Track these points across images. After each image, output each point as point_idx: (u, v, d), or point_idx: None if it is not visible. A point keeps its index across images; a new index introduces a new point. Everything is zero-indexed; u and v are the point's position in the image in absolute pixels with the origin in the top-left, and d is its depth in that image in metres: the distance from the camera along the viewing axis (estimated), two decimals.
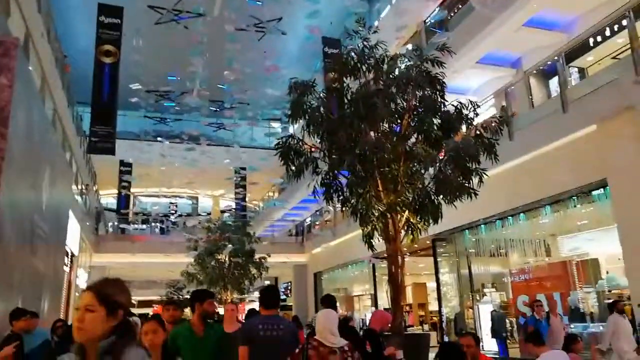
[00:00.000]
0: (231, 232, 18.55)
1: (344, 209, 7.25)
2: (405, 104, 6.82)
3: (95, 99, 16.68)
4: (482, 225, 13.01)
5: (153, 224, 27.16)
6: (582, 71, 13.74)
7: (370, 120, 6.71)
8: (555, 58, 11.70)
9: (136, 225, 26.69)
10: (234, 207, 33.08)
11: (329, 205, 7.35)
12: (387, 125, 7.02)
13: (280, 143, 7.23)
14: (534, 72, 13.42)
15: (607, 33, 11.56)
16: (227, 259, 17.54)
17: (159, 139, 29.69)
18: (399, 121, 6.95)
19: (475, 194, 6.89)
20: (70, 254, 15.20)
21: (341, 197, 7.18)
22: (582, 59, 13.16)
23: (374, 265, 18.78)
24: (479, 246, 13.95)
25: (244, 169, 33.01)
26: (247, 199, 34.43)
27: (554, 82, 13.31)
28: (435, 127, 6.82)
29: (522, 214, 11.88)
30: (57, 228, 9.78)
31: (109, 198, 33.63)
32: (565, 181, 10.09)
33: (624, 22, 10.69)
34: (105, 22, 17.43)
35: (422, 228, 7.09)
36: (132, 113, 30.04)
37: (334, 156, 6.96)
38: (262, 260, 17.84)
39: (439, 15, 17.16)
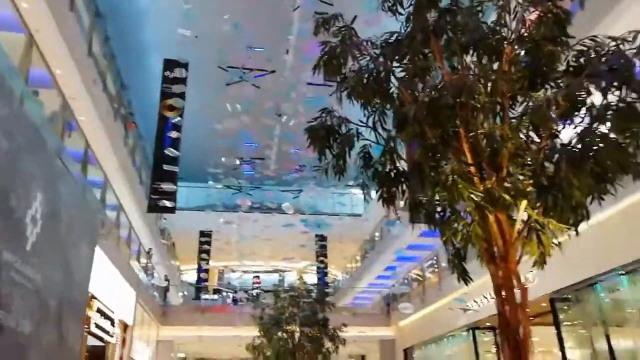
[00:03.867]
0: (303, 299, 16.18)
1: (411, 212, 4.77)
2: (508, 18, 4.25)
3: (157, 154, 15.71)
4: (623, 277, 9.64)
5: (225, 294, 25.40)
6: None
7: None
8: None
9: (207, 296, 25.04)
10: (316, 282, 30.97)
11: (387, 210, 4.72)
12: (470, 58, 4.39)
13: (314, 123, 4.92)
14: None
15: None
16: (297, 329, 15.02)
17: (239, 210, 28.81)
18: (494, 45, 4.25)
19: None
20: (122, 324, 13.59)
21: (404, 192, 4.72)
22: None
23: (474, 336, 15.34)
24: (618, 309, 10.40)
25: (324, 238, 31.29)
26: (327, 270, 32.24)
27: None
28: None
29: None
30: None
31: (190, 273, 32.95)
32: None
33: None
34: (170, 76, 16.83)
35: (558, 229, 4.24)
36: (208, 184, 29.65)
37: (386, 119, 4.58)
38: (337, 330, 15.14)
39: None
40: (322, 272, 30.28)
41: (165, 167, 14.36)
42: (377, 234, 27.80)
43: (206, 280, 29.51)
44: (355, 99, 4.62)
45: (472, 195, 3.87)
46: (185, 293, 24.63)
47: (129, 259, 14.24)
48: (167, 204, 15.03)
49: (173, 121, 16.37)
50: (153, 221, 20.44)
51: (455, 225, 4.42)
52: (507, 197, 3.83)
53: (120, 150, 15.66)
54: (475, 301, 13.72)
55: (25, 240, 6.00)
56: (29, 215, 6.08)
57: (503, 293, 4.23)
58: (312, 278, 33.70)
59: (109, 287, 11.75)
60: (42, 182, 6.53)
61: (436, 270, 20.51)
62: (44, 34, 10.39)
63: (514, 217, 4.22)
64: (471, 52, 4.21)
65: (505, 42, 4.18)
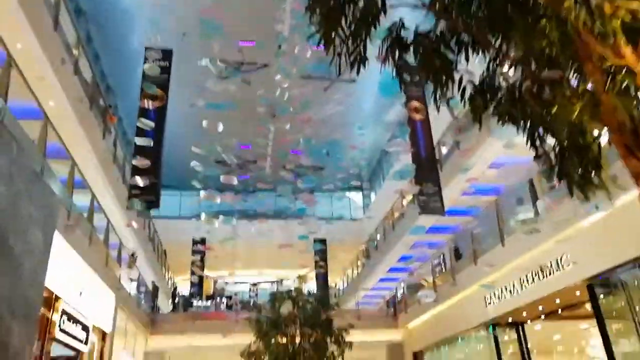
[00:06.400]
0: (304, 302, 14.67)
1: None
2: None
3: (137, 146, 14.25)
4: None
5: (219, 299, 23.83)
6: None
7: None
8: None
9: (200, 303, 23.44)
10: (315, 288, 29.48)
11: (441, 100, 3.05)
12: None
13: None
14: None
15: None
16: (297, 332, 13.49)
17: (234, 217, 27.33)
18: None
19: None
20: (99, 332, 12.07)
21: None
22: None
23: (496, 336, 13.83)
24: None
25: (323, 242, 29.87)
26: (328, 272, 30.75)
27: None
28: None
29: None
30: None
31: (185, 285, 31.38)
32: None
33: None
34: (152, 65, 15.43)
35: None
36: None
37: None
38: (344, 332, 13.64)
39: None
40: (322, 277, 28.79)
41: (139, 140, 12.79)
42: (378, 237, 26.46)
43: (200, 287, 28.00)
44: None
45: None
46: (176, 301, 23.04)
47: (106, 259, 12.74)
48: (140, 182, 13.01)
49: (155, 111, 15.00)
50: (139, 221, 18.97)
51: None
52: None
53: (96, 141, 14.31)
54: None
55: None
56: None
57: None
58: (312, 286, 32.23)
59: (81, 288, 10.25)
60: None
61: (443, 270, 19.20)
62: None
63: None
64: None
65: None
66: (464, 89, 3.26)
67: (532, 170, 11.74)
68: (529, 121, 2.95)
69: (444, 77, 3.16)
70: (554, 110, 2.64)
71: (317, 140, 21.39)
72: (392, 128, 26.05)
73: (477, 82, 3.24)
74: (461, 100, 3.28)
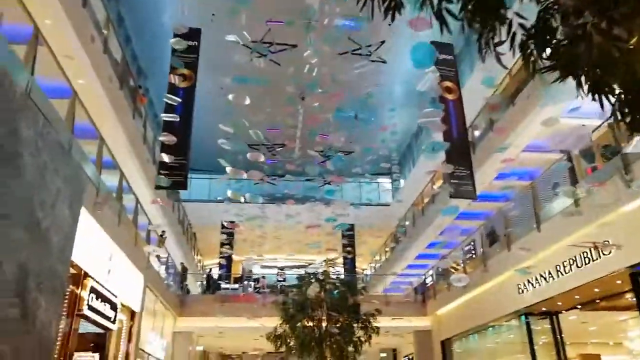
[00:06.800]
0: (332, 286, 14.50)
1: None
2: None
3: (165, 124, 14.22)
4: None
5: (246, 282, 23.94)
6: None
7: None
8: None
9: (228, 285, 23.58)
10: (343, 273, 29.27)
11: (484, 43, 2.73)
12: None
13: None
14: None
15: None
16: (324, 316, 13.34)
17: (260, 200, 27.28)
18: None
19: None
20: (127, 311, 12.18)
21: None
22: None
23: (528, 323, 13.40)
24: None
25: (351, 227, 29.54)
26: (356, 261, 30.44)
27: None
28: None
29: None
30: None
31: (214, 269, 31.67)
32: None
33: None
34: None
35: None
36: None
37: None
38: (372, 317, 13.42)
39: None
40: (350, 262, 28.59)
41: (165, 117, 12.73)
42: (407, 222, 26.05)
43: (229, 270, 28.21)
44: None
45: None
46: (204, 283, 23.28)
47: (135, 239, 12.80)
48: (166, 158, 12.78)
49: (184, 91, 14.95)
50: (168, 203, 19.14)
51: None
52: None
53: (126, 121, 14.37)
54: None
55: None
56: None
57: None
58: (340, 271, 31.99)
59: (109, 266, 10.31)
60: None
61: (474, 256, 18.74)
62: None
63: None
64: None
65: None
66: (514, 34, 2.92)
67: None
68: (592, 68, 2.58)
69: (491, 21, 2.82)
70: (630, 45, 2.30)
71: (345, 106, 20.86)
72: (424, 105, 25.47)
73: (528, 27, 2.88)
74: (510, 48, 2.94)
